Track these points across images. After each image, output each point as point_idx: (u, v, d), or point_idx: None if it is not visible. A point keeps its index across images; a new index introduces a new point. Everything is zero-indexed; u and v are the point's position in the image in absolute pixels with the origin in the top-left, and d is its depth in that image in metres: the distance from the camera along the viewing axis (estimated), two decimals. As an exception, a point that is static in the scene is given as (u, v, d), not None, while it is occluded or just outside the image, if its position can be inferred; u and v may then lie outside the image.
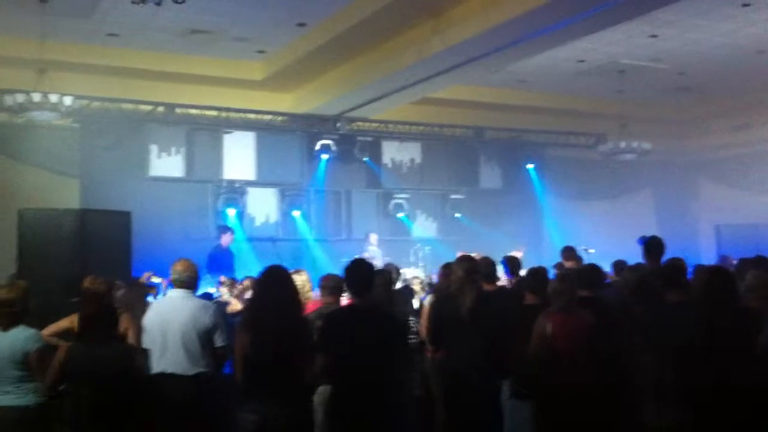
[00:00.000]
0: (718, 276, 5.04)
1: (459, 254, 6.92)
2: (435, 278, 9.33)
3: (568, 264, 9.46)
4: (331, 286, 6.25)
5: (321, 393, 5.42)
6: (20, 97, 10.60)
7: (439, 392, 6.21)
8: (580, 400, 5.31)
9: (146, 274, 8.84)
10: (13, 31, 11.37)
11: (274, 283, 5.15)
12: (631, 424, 5.56)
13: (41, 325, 5.83)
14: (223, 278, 9.33)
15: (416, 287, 8.88)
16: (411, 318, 7.33)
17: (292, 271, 7.04)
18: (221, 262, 11.91)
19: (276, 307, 5.00)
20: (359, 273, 5.29)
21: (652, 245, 7.02)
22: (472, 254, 7.41)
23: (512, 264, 8.18)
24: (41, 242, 8.79)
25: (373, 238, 13.79)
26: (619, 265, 8.44)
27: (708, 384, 4.54)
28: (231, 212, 13.75)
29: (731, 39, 12.57)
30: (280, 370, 4.92)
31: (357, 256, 9.29)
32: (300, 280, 6.76)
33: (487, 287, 6.82)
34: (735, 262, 9.07)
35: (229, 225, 13.31)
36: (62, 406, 5.12)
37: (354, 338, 4.98)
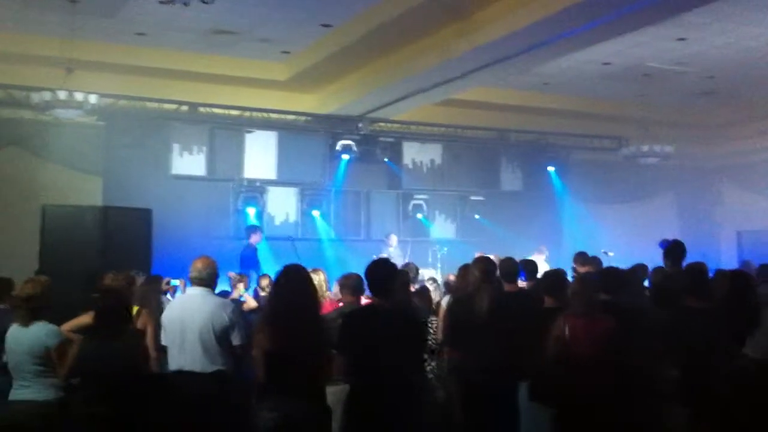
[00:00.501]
0: (739, 280, 5.02)
1: (476, 255, 6.87)
2: (452, 279, 9.31)
3: (583, 269, 9.40)
4: (351, 285, 6.22)
5: (335, 392, 5.43)
6: (46, 95, 10.73)
7: (456, 394, 6.19)
8: (597, 403, 5.28)
9: (165, 280, 8.89)
10: (42, 29, 11.49)
11: (292, 282, 5.16)
12: (649, 428, 5.52)
13: (62, 321, 5.89)
14: (231, 274, 9.34)
15: (430, 287, 8.85)
16: (432, 318, 7.28)
17: (309, 270, 7.06)
18: (254, 261, 12.00)
19: (293, 305, 5.02)
20: (381, 273, 5.29)
21: (673, 249, 6.98)
22: (491, 255, 7.39)
23: (528, 267, 8.13)
24: (63, 238, 8.89)
25: (393, 239, 13.77)
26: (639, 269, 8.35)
27: (724, 387, 4.50)
28: (251, 211, 13.80)
29: (758, 43, 12.45)
30: (298, 367, 4.93)
31: (377, 257, 9.37)
32: (316, 279, 6.76)
33: (508, 288, 6.80)
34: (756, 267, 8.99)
35: (258, 225, 13.40)
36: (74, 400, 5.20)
37: (375, 338, 4.98)
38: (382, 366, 4.94)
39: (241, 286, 8.97)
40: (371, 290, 5.34)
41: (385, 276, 5.28)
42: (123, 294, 5.88)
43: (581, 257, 9.81)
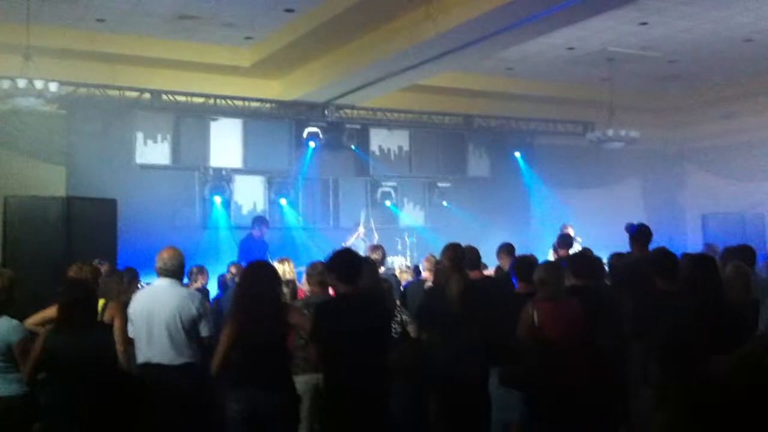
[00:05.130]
0: (701, 264, 5.05)
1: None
2: (421, 267, 9.31)
3: (563, 252, 9.47)
4: (317, 274, 6.19)
5: (305, 381, 5.42)
6: (5, 84, 10.50)
7: (427, 381, 6.20)
8: (568, 388, 5.31)
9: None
10: (-1, 16, 11.27)
11: (255, 272, 5.20)
12: (619, 413, 5.57)
13: (26, 314, 5.79)
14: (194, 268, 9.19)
15: (402, 275, 8.85)
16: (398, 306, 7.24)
17: (276, 259, 7.02)
18: (253, 252, 11.87)
19: (255, 294, 5.04)
20: (348, 262, 5.28)
21: (639, 233, 7.03)
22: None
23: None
24: (27, 229, 8.76)
25: (361, 229, 13.76)
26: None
27: (693, 375, 4.53)
28: (217, 200, 13.68)
29: (720, 27, 12.56)
30: (262, 356, 4.93)
31: (344, 245, 9.33)
32: (281, 269, 6.72)
33: (472, 275, 6.80)
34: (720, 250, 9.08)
35: (263, 217, 13.29)
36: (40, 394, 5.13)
37: (348, 327, 4.97)
38: (358, 354, 4.94)
39: (200, 279, 8.88)
40: (338, 279, 5.28)
41: (351, 264, 5.27)
42: (90, 285, 5.78)
43: (562, 240, 9.89)
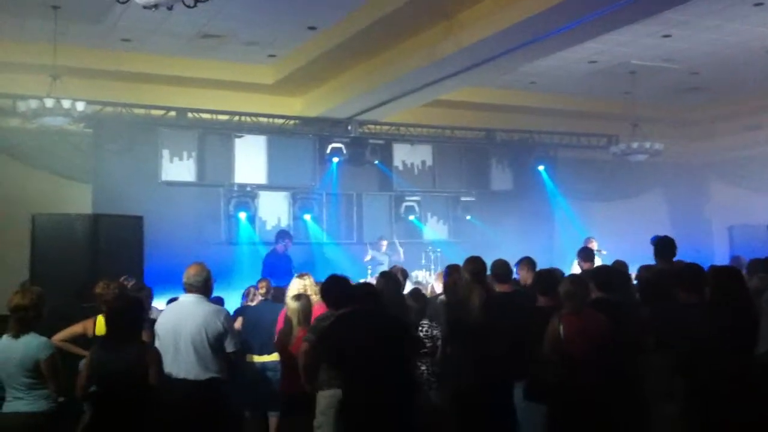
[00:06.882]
0: (728, 276, 5.03)
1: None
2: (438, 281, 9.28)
3: (586, 265, 9.42)
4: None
5: (332, 396, 5.42)
6: (33, 103, 10.68)
7: (447, 394, 6.19)
8: (593, 401, 5.28)
9: None
10: (26, 37, 11.46)
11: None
12: (643, 425, 5.53)
13: (53, 331, 5.85)
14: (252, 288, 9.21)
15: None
16: (425, 321, 7.19)
17: (296, 275, 7.02)
18: (277, 266, 11.98)
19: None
20: (332, 289, 5.61)
21: (662, 245, 6.99)
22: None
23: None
24: (54, 247, 8.81)
25: (383, 244, 13.78)
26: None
27: (717, 385, 4.51)
28: (242, 216, 13.78)
29: (743, 38, 12.49)
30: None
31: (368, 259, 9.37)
32: (302, 284, 6.71)
33: (500, 288, 6.78)
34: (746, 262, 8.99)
35: (287, 231, 13.38)
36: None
37: (352, 345, 5.08)
38: (368, 370, 4.98)
39: (257, 299, 8.88)
40: (334, 306, 5.51)
41: (334, 289, 5.62)
42: (129, 300, 5.79)
43: (585, 253, 9.84)
